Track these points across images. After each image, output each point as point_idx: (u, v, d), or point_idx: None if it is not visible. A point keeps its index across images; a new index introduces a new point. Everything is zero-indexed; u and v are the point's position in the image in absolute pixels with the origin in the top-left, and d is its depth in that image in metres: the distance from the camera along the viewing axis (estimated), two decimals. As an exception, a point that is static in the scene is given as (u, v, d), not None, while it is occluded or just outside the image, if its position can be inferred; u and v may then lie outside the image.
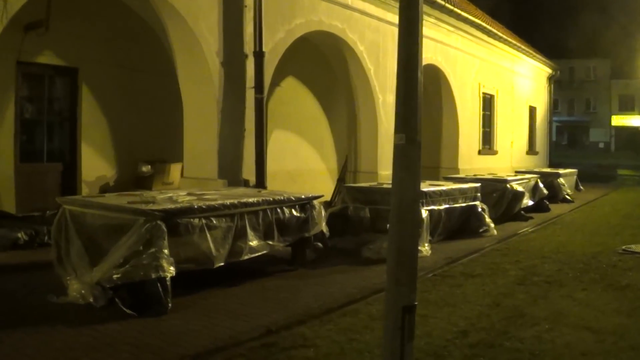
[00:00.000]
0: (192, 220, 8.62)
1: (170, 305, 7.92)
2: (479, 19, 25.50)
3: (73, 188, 15.24)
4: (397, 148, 5.21)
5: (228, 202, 9.30)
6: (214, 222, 8.91)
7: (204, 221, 8.75)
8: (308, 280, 10.08)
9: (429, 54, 21.05)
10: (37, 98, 15.19)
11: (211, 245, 8.79)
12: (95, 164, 15.84)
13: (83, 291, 8.15)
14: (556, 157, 39.95)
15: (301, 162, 20.13)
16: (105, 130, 16.11)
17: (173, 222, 8.33)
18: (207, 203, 9.03)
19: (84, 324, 7.39)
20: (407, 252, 5.23)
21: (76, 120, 15.57)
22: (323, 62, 19.76)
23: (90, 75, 15.59)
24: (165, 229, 8.07)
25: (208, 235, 8.76)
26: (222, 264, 8.99)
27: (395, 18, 17.07)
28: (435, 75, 22.90)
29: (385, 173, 18.17)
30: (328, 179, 21.14)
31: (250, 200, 9.76)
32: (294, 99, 19.95)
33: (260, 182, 13.82)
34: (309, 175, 19.96)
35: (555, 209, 20.99)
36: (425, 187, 13.62)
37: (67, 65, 15.15)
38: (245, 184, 13.71)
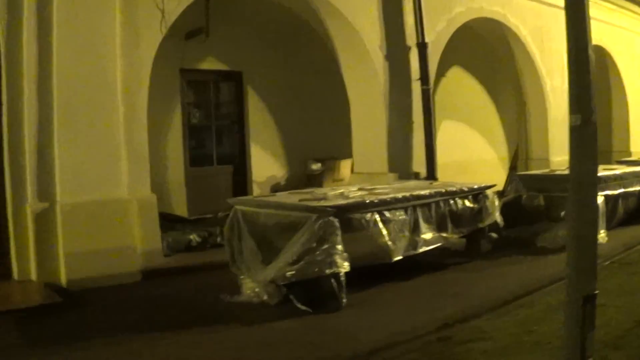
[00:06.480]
0: (364, 215, 8.52)
1: (345, 300, 7.85)
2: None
3: (244, 189, 15.52)
4: (572, 130, 4.97)
5: (400, 195, 9.16)
6: (387, 215, 8.76)
7: (376, 215, 8.63)
8: (483, 272, 9.81)
9: (593, 34, 20.36)
10: (203, 103, 15.58)
11: (386, 239, 8.65)
12: (265, 165, 16.07)
13: (257, 289, 8.22)
14: None
15: (471, 152, 19.75)
16: (273, 131, 16.31)
17: (345, 218, 8.24)
18: (379, 197, 8.92)
19: (258, 322, 7.46)
20: (587, 239, 4.97)
21: (244, 123, 15.85)
22: (487, 50, 19.37)
23: (254, 78, 15.82)
24: (338, 225, 7.97)
25: (382, 229, 8.62)
26: (400, 257, 8.84)
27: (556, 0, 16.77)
28: (601, 56, 22.10)
29: (556, 159, 17.68)
30: (499, 168, 20.68)
31: (423, 192, 9.58)
32: (460, 89, 19.59)
33: (431, 174, 13.68)
34: (480, 165, 19.55)
35: None
36: (600, 171, 13.10)
37: (231, 69, 15.46)
38: (416, 176, 13.61)
